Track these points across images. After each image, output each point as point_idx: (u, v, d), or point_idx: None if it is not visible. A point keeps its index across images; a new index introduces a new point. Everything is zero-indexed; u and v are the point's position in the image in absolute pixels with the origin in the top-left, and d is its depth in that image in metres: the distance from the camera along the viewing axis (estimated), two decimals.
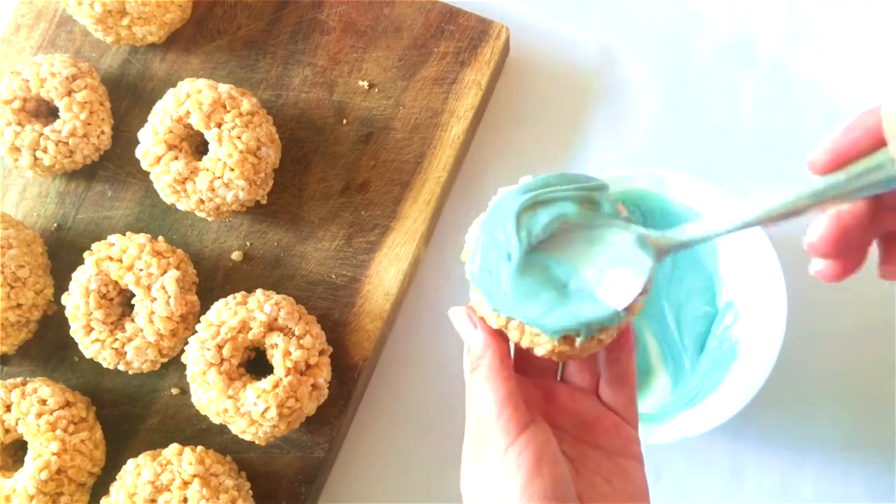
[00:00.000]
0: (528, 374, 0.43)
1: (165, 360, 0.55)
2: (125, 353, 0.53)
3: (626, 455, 0.40)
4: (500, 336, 0.39)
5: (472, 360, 0.39)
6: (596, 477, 0.39)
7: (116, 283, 0.53)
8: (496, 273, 0.38)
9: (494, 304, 0.38)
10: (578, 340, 0.37)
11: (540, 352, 0.38)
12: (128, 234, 0.55)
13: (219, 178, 0.53)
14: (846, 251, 0.35)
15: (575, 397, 0.41)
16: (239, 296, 0.53)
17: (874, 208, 0.34)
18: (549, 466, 0.36)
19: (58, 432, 0.51)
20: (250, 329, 0.51)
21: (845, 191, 0.33)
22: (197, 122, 0.53)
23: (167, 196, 0.54)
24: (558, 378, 0.44)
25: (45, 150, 0.55)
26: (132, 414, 0.56)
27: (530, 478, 0.35)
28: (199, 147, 0.55)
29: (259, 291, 0.54)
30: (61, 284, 0.56)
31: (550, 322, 0.37)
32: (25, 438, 0.52)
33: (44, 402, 0.52)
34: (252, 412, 0.50)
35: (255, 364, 0.53)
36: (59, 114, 0.56)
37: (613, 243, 0.38)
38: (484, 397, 0.38)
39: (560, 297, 0.38)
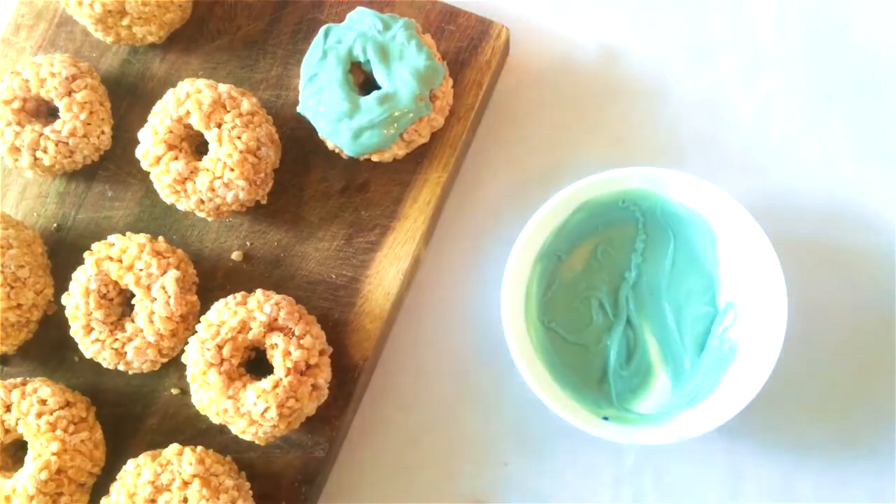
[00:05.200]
0: None
1: (165, 360, 0.55)
2: (125, 353, 0.53)
3: None
4: None
5: None
6: None
7: (116, 283, 0.53)
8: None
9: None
10: None
11: None
12: (128, 234, 0.55)
13: (219, 178, 0.53)
14: None
15: None
16: (239, 296, 0.53)
17: None
18: None
19: (58, 432, 0.51)
20: (250, 329, 0.51)
21: None
22: (197, 122, 0.53)
23: (167, 196, 0.54)
24: None
25: (45, 150, 0.55)
26: (132, 414, 0.56)
27: None
28: (199, 147, 0.55)
29: (259, 291, 0.54)
30: (61, 284, 0.56)
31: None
32: (25, 438, 0.52)
33: (44, 402, 0.52)
34: (252, 412, 0.50)
35: (255, 364, 0.53)
36: (59, 114, 0.56)
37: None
38: None
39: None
